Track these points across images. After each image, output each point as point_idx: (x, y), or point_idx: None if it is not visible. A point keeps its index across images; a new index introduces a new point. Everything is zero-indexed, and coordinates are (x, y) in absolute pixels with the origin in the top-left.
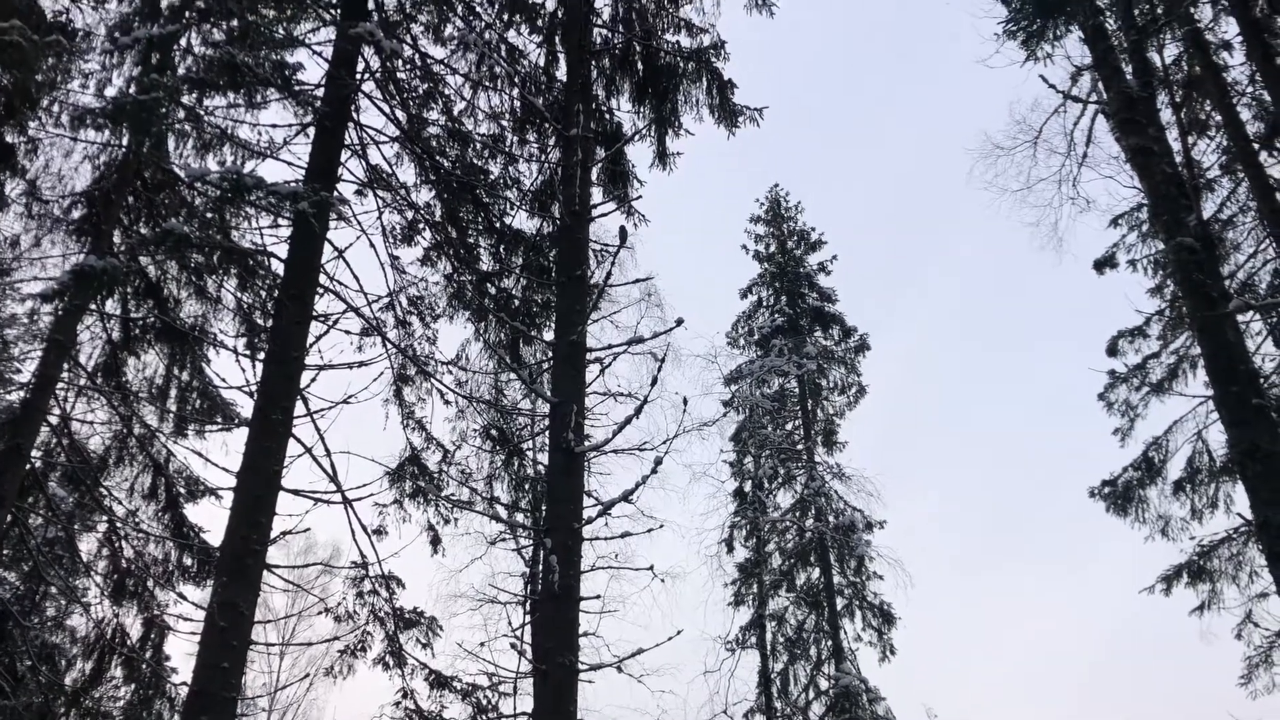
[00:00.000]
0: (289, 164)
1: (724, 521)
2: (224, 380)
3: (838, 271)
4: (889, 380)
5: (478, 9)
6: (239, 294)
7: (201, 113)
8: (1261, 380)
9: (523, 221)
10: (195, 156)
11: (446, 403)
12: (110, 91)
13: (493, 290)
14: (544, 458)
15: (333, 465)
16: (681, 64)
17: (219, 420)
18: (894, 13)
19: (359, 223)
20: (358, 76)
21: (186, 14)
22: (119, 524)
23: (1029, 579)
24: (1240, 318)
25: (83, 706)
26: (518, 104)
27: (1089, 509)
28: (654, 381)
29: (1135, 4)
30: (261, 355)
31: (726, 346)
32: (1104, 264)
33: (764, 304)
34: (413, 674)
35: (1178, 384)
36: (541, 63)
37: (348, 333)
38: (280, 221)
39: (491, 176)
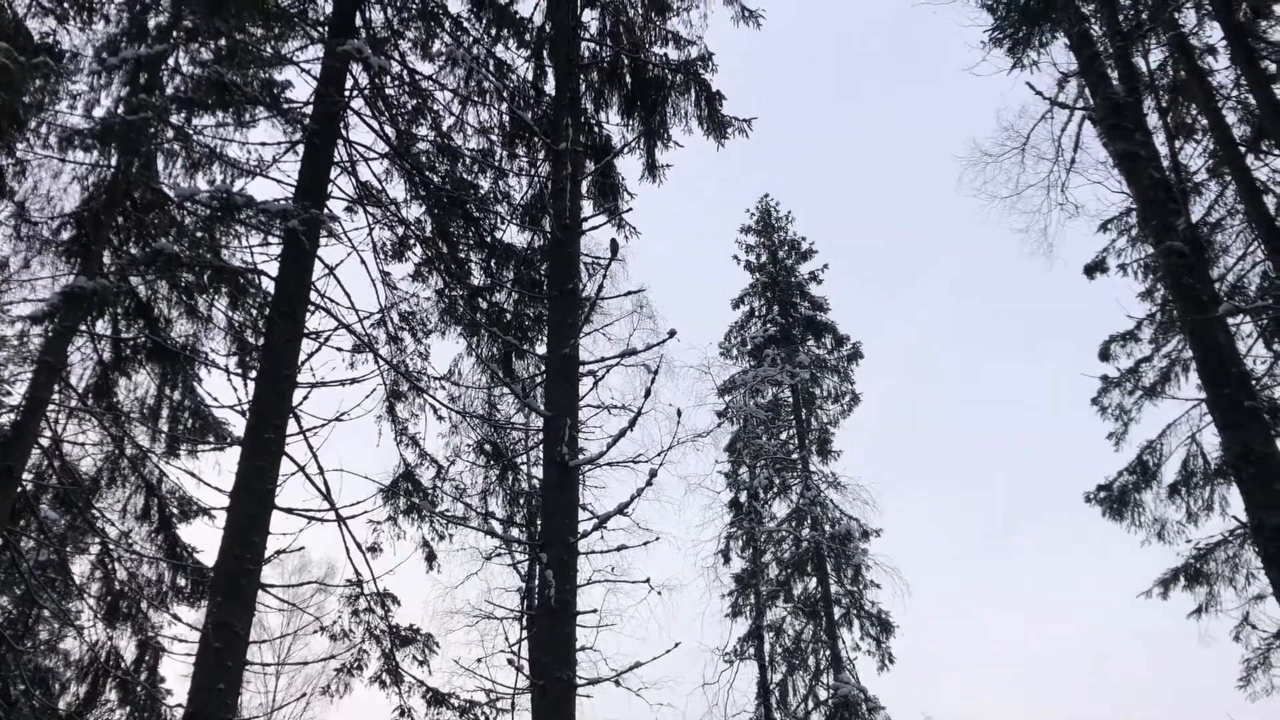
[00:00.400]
0: (278, 182)
1: (720, 532)
2: (216, 399)
3: (831, 278)
4: (887, 383)
5: (465, 24)
6: (230, 313)
7: (190, 132)
8: (1254, 382)
9: (514, 236)
10: (184, 176)
11: (440, 418)
12: (98, 112)
13: (484, 305)
14: (538, 472)
15: (326, 483)
16: (670, 76)
17: (211, 439)
18: (884, 17)
19: (349, 239)
20: (346, 93)
21: (174, 34)
22: (112, 546)
23: (1027, 583)
24: (1231, 320)
25: None
26: (507, 119)
27: (1087, 513)
28: (647, 393)
29: (1120, 10)
30: (253, 374)
31: (719, 357)
32: (1094, 269)
33: (756, 314)
34: (410, 692)
35: (1170, 387)
36: (530, 77)
37: (340, 350)
38: (270, 240)
39: (482, 191)
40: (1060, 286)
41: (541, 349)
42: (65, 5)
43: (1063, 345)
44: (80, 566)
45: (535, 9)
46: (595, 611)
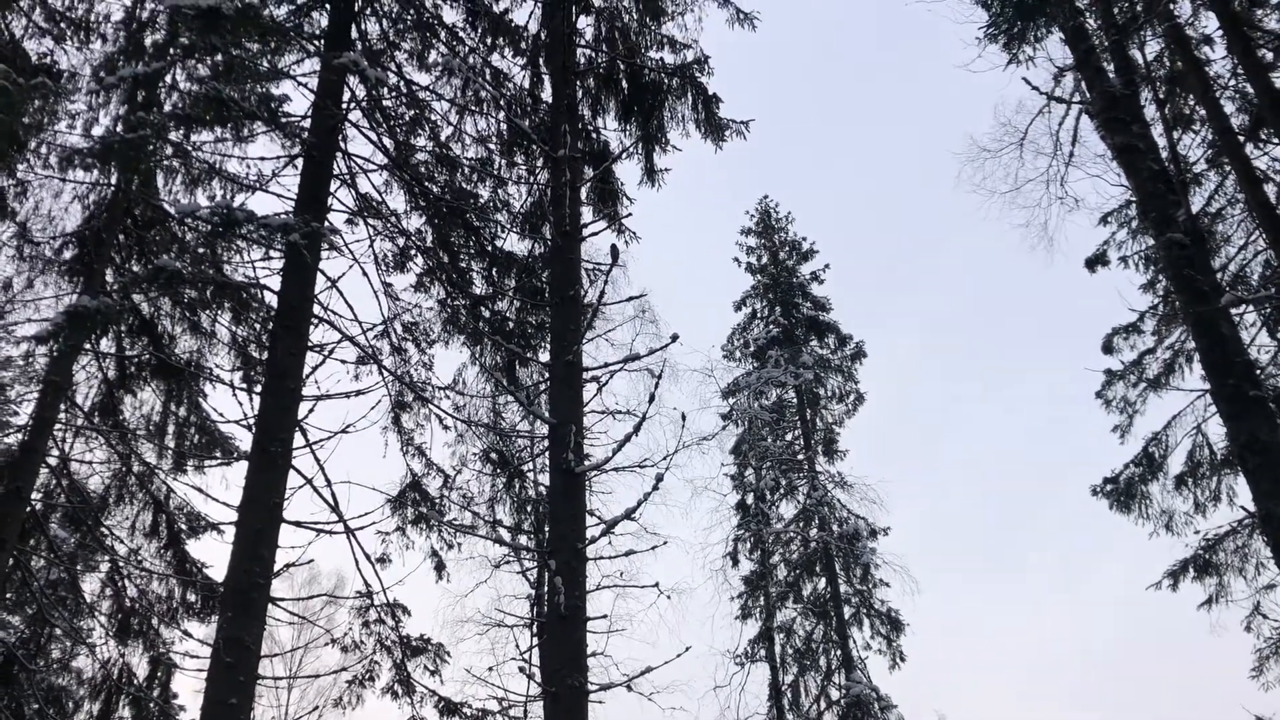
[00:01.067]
0: (279, 196)
1: (728, 535)
2: (221, 414)
3: (833, 277)
4: (892, 381)
5: (460, 34)
6: (233, 328)
7: (189, 148)
8: (1258, 371)
9: (514, 244)
10: (185, 192)
11: (445, 428)
12: (97, 131)
13: (487, 314)
14: (545, 479)
15: (334, 495)
16: (666, 80)
17: (218, 455)
18: (880, 15)
19: (351, 252)
20: (344, 106)
21: (171, 51)
22: (121, 563)
23: (1039, 579)
24: (1234, 310)
25: None
26: (504, 127)
27: (1094, 507)
28: (652, 398)
29: (1115, 3)
30: (258, 388)
31: (723, 360)
32: (1095, 262)
33: (758, 315)
34: (422, 702)
35: (1174, 379)
36: (526, 85)
37: (344, 362)
38: (272, 254)
39: (481, 200)
40: (1062, 280)
41: (545, 356)
42: (62, 26)
43: (1066, 339)
44: (90, 584)
45: (530, 17)
46: (605, 617)
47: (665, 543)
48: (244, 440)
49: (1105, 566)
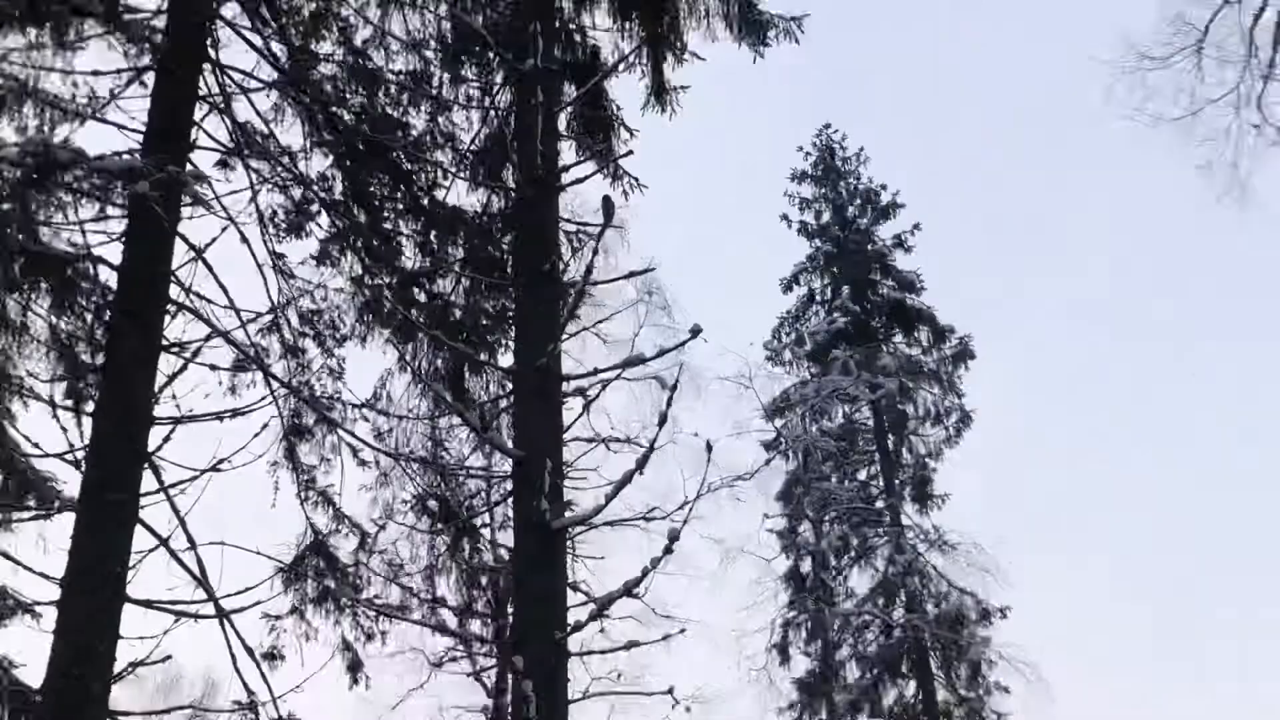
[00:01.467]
0: (120, 127)
1: (774, 618)
2: (36, 445)
3: (923, 246)
4: (1006, 398)
5: None
6: (54, 318)
7: None
8: None
9: (461, 196)
10: None
11: (362, 463)
12: None
13: (423, 297)
14: (507, 537)
15: (200, 562)
16: None
17: (31, 504)
18: None
19: (225, 208)
20: None
21: None
22: None
23: (1224, 679)
24: None
25: None
26: (448, 25)
27: None
28: (663, 420)
29: None
30: (90, 407)
31: (765, 363)
32: None
33: (817, 299)
34: None
35: None
36: None
37: (215, 368)
38: (110, 211)
39: (413, 133)
40: (1263, 244)
41: (508, 359)
42: None
43: (1269, 325)
44: None
45: None
46: None
47: (683, 630)
48: (70, 481)
49: None
